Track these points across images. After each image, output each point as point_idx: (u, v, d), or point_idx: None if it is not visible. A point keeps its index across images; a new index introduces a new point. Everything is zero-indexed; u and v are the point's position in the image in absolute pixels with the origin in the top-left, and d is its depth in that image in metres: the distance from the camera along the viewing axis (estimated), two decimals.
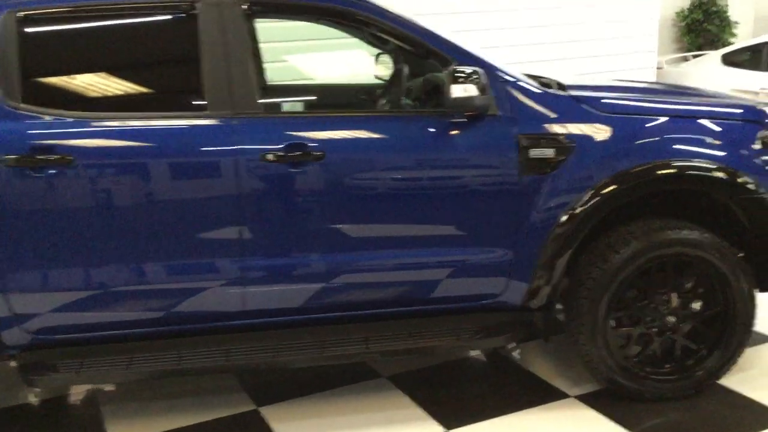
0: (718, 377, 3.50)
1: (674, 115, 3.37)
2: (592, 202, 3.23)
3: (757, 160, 3.37)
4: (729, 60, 8.61)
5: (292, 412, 3.54)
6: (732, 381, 3.60)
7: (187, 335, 3.23)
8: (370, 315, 3.31)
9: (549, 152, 3.21)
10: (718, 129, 3.37)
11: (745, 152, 3.36)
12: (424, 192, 3.19)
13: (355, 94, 4.05)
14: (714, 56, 8.85)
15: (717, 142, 3.34)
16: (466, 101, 3.01)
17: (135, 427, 3.46)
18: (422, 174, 3.18)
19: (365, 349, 3.26)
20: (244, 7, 3.14)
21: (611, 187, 3.22)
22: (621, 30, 8.32)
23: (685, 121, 3.37)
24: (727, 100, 3.64)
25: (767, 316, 4.18)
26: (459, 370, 3.88)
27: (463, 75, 3.03)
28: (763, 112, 3.48)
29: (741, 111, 3.46)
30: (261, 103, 3.15)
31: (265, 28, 3.87)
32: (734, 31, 11.00)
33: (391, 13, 3.24)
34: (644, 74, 8.46)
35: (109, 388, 3.80)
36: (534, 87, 3.31)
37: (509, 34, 7.81)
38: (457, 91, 2.98)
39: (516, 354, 4.02)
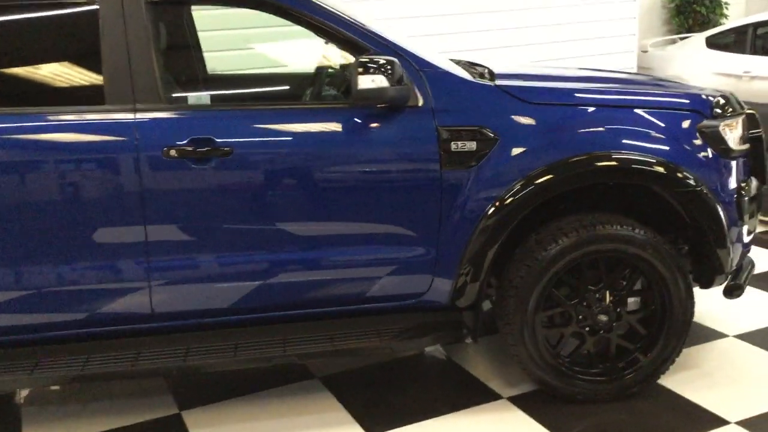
0: (656, 378, 3.36)
1: (608, 105, 3.21)
2: (516, 196, 3.08)
3: (694, 152, 3.20)
4: (713, 43, 8.37)
5: (214, 416, 3.43)
6: (672, 381, 3.46)
7: (100, 339, 3.11)
8: (288, 316, 3.17)
9: (471, 145, 3.06)
10: (654, 119, 3.20)
11: (682, 143, 3.19)
12: (339, 188, 3.05)
13: (297, 83, 3.89)
14: (698, 39, 8.61)
15: (652, 133, 3.18)
16: (375, 93, 2.86)
17: (54, 431, 3.35)
18: (337, 169, 3.04)
19: (282, 352, 3.13)
20: None
21: (535, 181, 3.07)
22: (601, 13, 8.13)
23: (619, 111, 3.20)
24: (674, 90, 3.47)
25: (713, 313, 4.07)
26: (396, 371, 3.74)
27: (373, 65, 2.87)
28: (707, 101, 3.30)
29: (682, 101, 3.29)
30: (166, 96, 3.00)
31: (225, 15, 3.73)
32: (726, 12, 10.72)
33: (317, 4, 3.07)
34: (626, 58, 8.27)
35: (31, 390, 3.69)
36: (457, 77, 3.15)
37: (487, 18, 7.63)
38: (365, 82, 2.82)
39: (460, 352, 3.87)
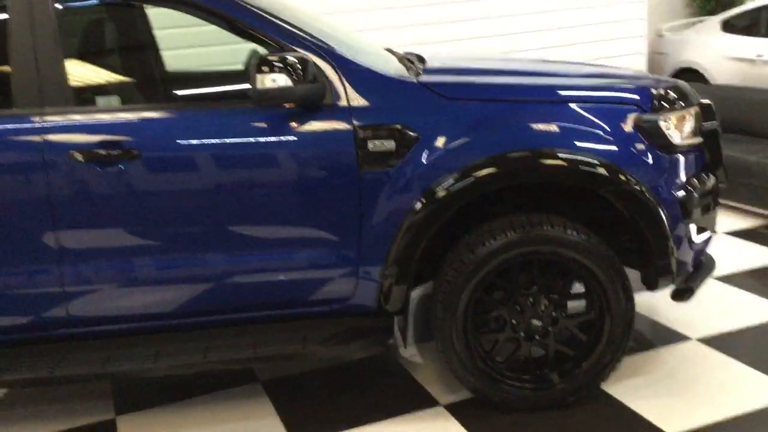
0: (596, 385, 3.19)
1: (537, 100, 3.05)
2: (437, 197, 2.94)
3: (629, 147, 3.02)
4: (728, 26, 8.04)
5: (147, 422, 3.39)
6: (618, 388, 3.31)
7: (21, 345, 3.08)
8: (211, 322, 3.10)
9: (389, 144, 2.93)
10: (587, 114, 3.03)
11: (615, 138, 3.01)
12: (252, 191, 2.95)
13: (227, 82, 3.80)
14: (714, 22, 8.28)
15: (583, 129, 3.01)
16: (277, 93, 2.75)
17: None
18: (249, 171, 2.94)
19: (203, 359, 3.05)
20: None
21: (458, 182, 2.92)
22: None
23: (548, 106, 3.04)
24: (617, 82, 3.29)
25: (682, 314, 3.89)
26: (342, 374, 3.65)
27: (277, 64, 2.76)
28: (647, 94, 3.11)
29: (618, 94, 3.11)
30: (76, 99, 2.94)
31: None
32: None
33: None
34: (634, 43, 7.98)
35: None
36: (377, 74, 3.03)
37: (486, 4, 7.45)
38: (263, 82, 2.71)
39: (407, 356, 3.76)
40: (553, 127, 2.98)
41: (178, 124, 2.93)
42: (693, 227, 3.19)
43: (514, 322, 3.14)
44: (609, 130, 3.00)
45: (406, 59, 3.59)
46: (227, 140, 2.93)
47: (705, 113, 3.34)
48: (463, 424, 3.15)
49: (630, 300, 3.09)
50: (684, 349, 3.62)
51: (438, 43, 7.08)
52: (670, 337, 3.76)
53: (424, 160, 2.94)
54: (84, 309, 3.01)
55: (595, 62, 4.35)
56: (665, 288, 3.22)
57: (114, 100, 3.05)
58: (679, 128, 3.13)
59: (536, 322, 3.12)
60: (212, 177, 2.92)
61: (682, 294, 3.26)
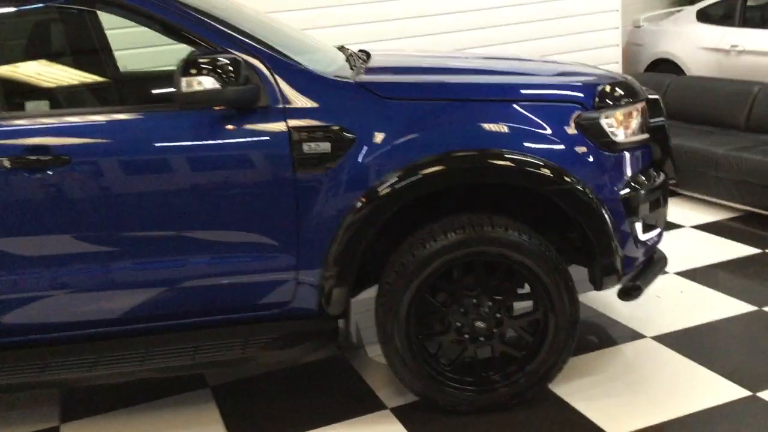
0: (541, 386, 3.15)
1: (476, 99, 2.99)
2: (374, 199, 2.89)
3: (569, 146, 2.97)
4: (703, 16, 7.98)
5: (91, 429, 3.33)
6: (566, 388, 3.28)
7: None
8: (148, 329, 3.06)
9: (325, 146, 2.88)
10: (526, 113, 2.97)
11: (554, 137, 2.96)
12: (187, 195, 2.90)
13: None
14: (689, 12, 8.21)
15: (521, 127, 2.96)
16: (202, 96, 2.69)
17: None
18: (181, 175, 2.89)
19: (141, 367, 3.01)
20: None
21: (394, 184, 2.88)
22: None
23: (487, 105, 2.99)
24: (560, 79, 3.24)
25: (639, 311, 3.85)
26: (294, 378, 3.60)
27: (205, 66, 2.70)
28: (589, 91, 3.05)
29: (558, 92, 3.06)
30: (5, 105, 2.88)
31: None
32: None
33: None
34: (609, 35, 7.91)
35: None
36: (314, 75, 2.97)
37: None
38: (188, 84, 2.66)
39: (360, 358, 3.71)
40: (492, 127, 2.93)
41: (109, 129, 2.87)
42: (639, 225, 3.15)
43: (458, 324, 3.09)
44: (549, 128, 2.95)
45: (355, 57, 3.54)
46: (159, 144, 2.87)
47: (653, 109, 3.29)
48: (407, 428, 3.11)
49: (574, 301, 3.04)
50: (638, 348, 3.58)
51: (408, 38, 7.04)
52: (625, 334, 3.71)
53: (361, 162, 2.89)
54: (18, 317, 2.96)
55: (553, 58, 4.30)
56: (611, 287, 3.16)
57: (43, 105, 2.99)
58: (623, 125, 3.08)
59: (480, 324, 3.07)
60: (144, 182, 2.87)
61: (629, 292, 3.21)
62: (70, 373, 3.00)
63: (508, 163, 2.89)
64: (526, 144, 2.93)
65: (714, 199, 5.52)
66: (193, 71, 2.70)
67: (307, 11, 6.62)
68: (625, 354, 3.54)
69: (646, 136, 3.21)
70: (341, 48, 4.07)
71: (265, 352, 3.05)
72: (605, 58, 7.85)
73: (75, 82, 3.27)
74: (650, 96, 3.32)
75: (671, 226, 5.22)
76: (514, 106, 2.97)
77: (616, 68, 7.94)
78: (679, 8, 9.00)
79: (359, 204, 2.89)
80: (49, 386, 3.09)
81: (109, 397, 3.56)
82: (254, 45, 2.94)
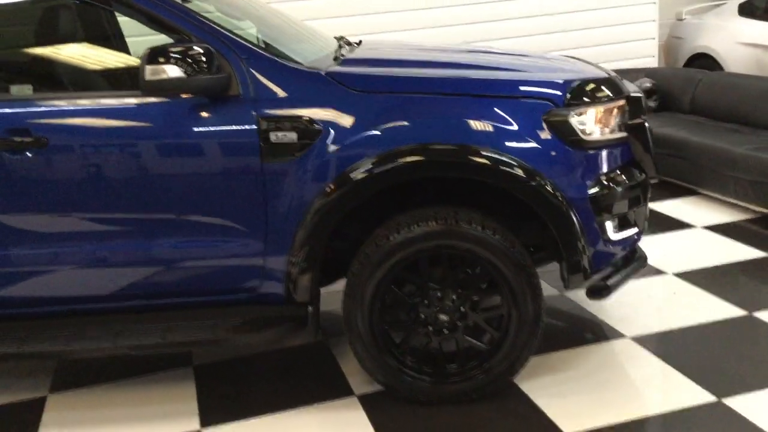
0: (504, 380, 3.16)
1: (445, 93, 3.01)
2: (338, 190, 2.94)
3: (535, 143, 2.96)
4: (745, 10, 7.74)
5: (75, 401, 3.49)
6: (533, 385, 3.29)
7: None
8: (123, 308, 3.17)
9: (292, 136, 2.94)
10: (495, 108, 2.98)
11: (521, 133, 2.96)
12: (156, 180, 3.00)
13: None
14: (732, 5, 7.98)
15: (490, 123, 2.96)
16: (167, 84, 2.77)
17: None
18: (152, 161, 2.99)
19: (113, 344, 3.13)
20: None
21: (357, 175, 2.93)
22: None
23: (455, 99, 3.00)
24: (533, 75, 3.20)
25: (627, 309, 3.82)
26: (274, 361, 3.69)
27: (174, 55, 2.78)
28: (561, 87, 3.04)
29: (529, 88, 3.04)
30: None
31: None
32: None
33: None
34: (644, 28, 7.76)
35: None
36: (283, 65, 3.03)
37: None
38: (152, 72, 2.74)
39: (342, 344, 3.77)
40: (458, 121, 2.94)
41: (87, 113, 2.99)
42: (610, 224, 3.12)
43: (422, 316, 3.12)
44: (515, 124, 2.95)
45: (345, 48, 3.59)
46: (132, 129, 2.97)
47: (634, 107, 3.25)
48: (369, 415, 3.16)
49: (537, 298, 3.04)
50: (614, 347, 3.55)
51: (434, 28, 7.06)
52: (606, 333, 3.69)
53: (327, 152, 2.94)
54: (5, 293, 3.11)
55: (550, 53, 4.26)
56: (579, 286, 3.15)
57: (27, 89, 3.11)
58: (595, 123, 3.06)
59: (443, 317, 3.10)
60: (117, 165, 2.98)
61: (598, 292, 3.19)
62: (46, 347, 3.13)
63: (473, 157, 2.89)
64: (489, 139, 2.93)
65: (731, 200, 5.39)
66: (161, 59, 2.78)
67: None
68: (601, 353, 3.51)
69: (622, 134, 3.18)
70: (340, 38, 4.13)
71: (232, 335, 3.13)
72: (640, 51, 7.73)
73: (55, 68, 3.40)
74: (632, 94, 3.27)
75: (682, 225, 5.14)
76: (484, 101, 2.98)
77: (652, 62, 7.80)
78: (722, 1, 8.73)
79: (322, 193, 2.94)
80: (26, 358, 3.23)
81: (99, 370, 3.70)
82: (226, 34, 3.00)
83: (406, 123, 2.94)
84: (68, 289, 3.13)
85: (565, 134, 2.98)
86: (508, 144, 2.93)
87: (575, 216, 2.99)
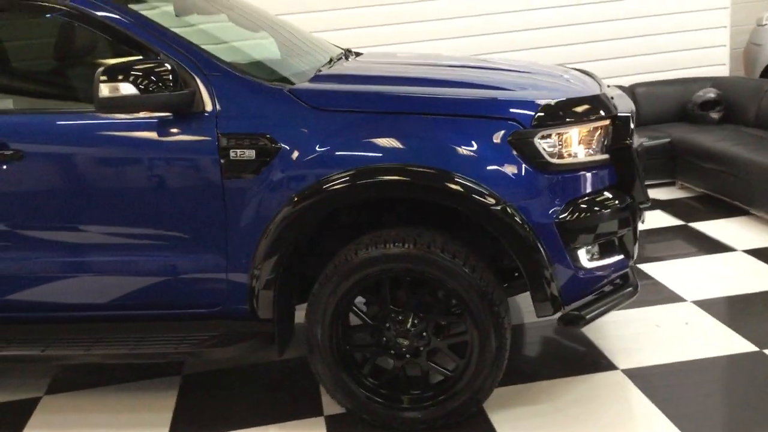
0: (465, 411, 3.04)
1: (407, 112, 2.92)
2: (293, 209, 2.91)
3: (495, 165, 2.83)
4: None
5: (65, 403, 3.61)
6: (501, 416, 3.17)
7: None
8: (97, 317, 3.26)
9: (250, 153, 2.93)
10: (457, 128, 2.88)
11: (482, 155, 2.84)
12: (122, 194, 3.05)
13: None
14: None
15: (450, 144, 2.86)
16: (120, 102, 2.81)
17: None
18: (119, 174, 3.05)
19: (85, 351, 3.20)
20: None
21: (311, 195, 2.89)
22: None
23: (414, 119, 2.90)
24: (499, 94, 3.03)
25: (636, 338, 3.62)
26: (257, 374, 3.71)
27: (133, 71, 2.82)
28: (528, 106, 2.90)
29: (495, 107, 2.91)
30: None
31: None
32: None
33: (104, 2, 3.06)
34: (715, 35, 7.34)
35: None
36: (247, 81, 3.02)
37: None
38: (107, 90, 2.79)
39: None
40: (411, 141, 2.86)
41: (57, 127, 3.08)
42: (583, 251, 2.96)
43: (384, 339, 3.05)
44: (476, 144, 2.84)
45: (335, 62, 3.57)
46: (99, 144, 3.04)
47: (620, 128, 3.06)
48: None
49: (498, 328, 2.91)
50: (601, 380, 3.36)
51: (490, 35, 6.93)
52: (597, 364, 3.50)
53: (283, 171, 2.91)
54: None
55: (545, 64, 4.08)
56: (549, 315, 2.99)
57: (8, 103, 3.24)
58: (568, 144, 2.90)
59: (402, 341, 3.02)
60: (86, 180, 3.05)
61: (573, 321, 3.02)
62: (24, 351, 3.24)
63: (425, 179, 2.81)
64: (447, 160, 2.83)
65: None
66: (118, 77, 2.81)
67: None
68: (585, 385, 3.33)
69: (603, 157, 3.01)
70: (347, 51, 4.11)
71: (199, 349, 3.15)
72: (710, 59, 7.32)
73: (35, 83, 3.51)
74: (620, 114, 3.09)
75: (721, 248, 4.83)
76: (442, 119, 2.88)
77: (723, 71, 7.37)
78: None
79: (278, 211, 2.92)
80: (5, 361, 3.35)
81: (98, 372, 3.82)
82: (194, 50, 3.02)
83: (356, 142, 2.88)
84: (46, 297, 3.22)
85: (530, 156, 2.84)
86: (471, 166, 2.82)
87: (539, 242, 2.84)
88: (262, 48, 4.07)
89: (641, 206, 3.16)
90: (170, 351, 3.17)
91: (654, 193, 6.26)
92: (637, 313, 3.96)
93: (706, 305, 3.99)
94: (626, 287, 3.24)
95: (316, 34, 4.61)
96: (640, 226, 3.37)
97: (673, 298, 4.12)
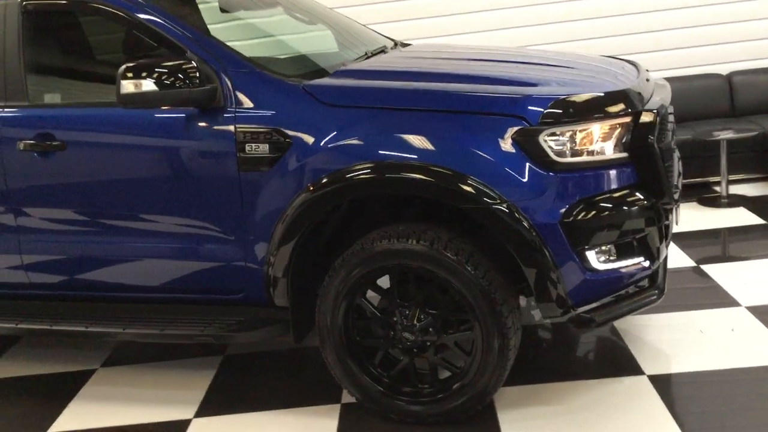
0: (471, 408, 3.03)
1: (417, 109, 2.92)
2: (303, 202, 3.00)
3: (499, 163, 2.80)
4: None
5: (115, 375, 3.90)
6: (510, 415, 3.14)
7: None
8: (122, 298, 3.47)
9: (264, 148, 3.04)
10: (464, 124, 2.86)
11: (486, 153, 2.82)
12: (153, 183, 3.23)
13: None
14: None
15: (455, 141, 2.86)
16: (142, 97, 2.96)
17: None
18: (148, 165, 3.23)
19: (122, 330, 3.43)
20: (24, 4, 3.41)
21: (319, 189, 2.96)
22: None
23: (425, 114, 2.91)
24: (510, 90, 2.95)
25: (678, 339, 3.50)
26: (291, 359, 3.85)
27: (157, 68, 2.98)
28: (538, 102, 2.83)
29: (502, 104, 2.86)
30: (31, 94, 3.41)
31: None
32: None
33: (135, 1, 3.24)
34: None
35: None
36: (265, 77, 3.12)
37: None
38: (127, 87, 2.95)
39: None
40: (415, 138, 2.87)
41: (95, 120, 3.29)
42: (592, 253, 2.88)
43: (391, 333, 3.09)
44: (480, 142, 2.82)
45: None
46: (130, 137, 3.23)
47: (643, 125, 2.94)
48: (340, 424, 3.19)
49: (501, 327, 2.88)
50: (622, 385, 3.26)
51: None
52: (623, 368, 3.39)
53: (294, 166, 2.99)
54: (27, 276, 3.53)
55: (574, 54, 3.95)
56: (556, 316, 2.93)
57: (57, 97, 3.49)
58: (579, 142, 2.83)
59: (408, 336, 3.05)
60: (121, 171, 3.26)
61: (583, 323, 2.95)
62: (71, 327, 3.51)
63: (417, 175, 2.82)
64: (450, 157, 2.82)
65: None
66: (142, 74, 2.98)
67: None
68: (604, 389, 3.24)
69: (620, 155, 2.91)
70: (395, 43, 4.15)
71: (224, 332, 3.30)
72: None
73: (81, 78, 3.75)
74: (645, 110, 2.97)
75: None
76: (448, 115, 2.88)
77: None
78: None
79: (289, 204, 3.01)
80: (56, 335, 3.63)
81: (152, 350, 4.08)
82: (217, 47, 3.16)
83: (363, 139, 2.92)
84: (77, 275, 3.48)
85: (535, 154, 2.79)
86: (468, 163, 2.81)
87: (543, 242, 2.79)
88: (309, 41, 4.17)
89: (665, 206, 3.02)
90: (196, 333, 3.33)
91: (741, 189, 5.93)
92: (682, 316, 3.81)
93: (759, 312, 3.77)
94: (650, 290, 3.12)
95: (372, 26, 4.66)
96: (674, 228, 3.24)
97: (727, 302, 3.92)
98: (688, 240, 4.87)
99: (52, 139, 3.31)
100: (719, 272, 4.31)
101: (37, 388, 3.84)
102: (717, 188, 5.92)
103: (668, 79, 6.14)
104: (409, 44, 4.25)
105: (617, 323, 3.75)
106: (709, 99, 6.49)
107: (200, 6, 3.76)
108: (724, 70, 6.64)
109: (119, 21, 3.28)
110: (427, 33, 6.64)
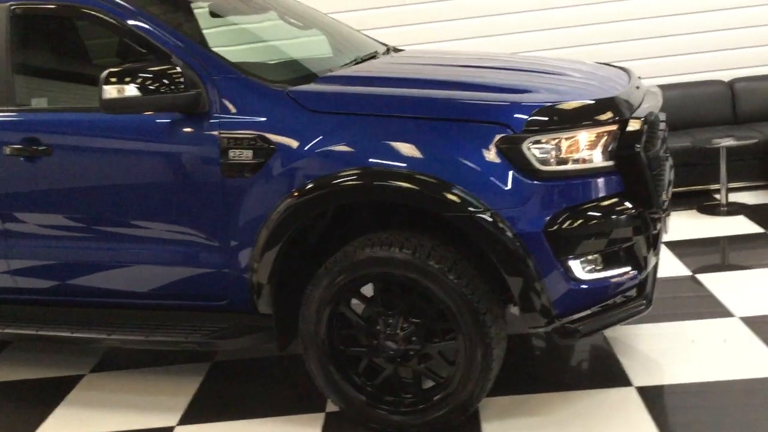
0: (453, 418, 3.00)
1: (399, 116, 2.90)
2: (285, 210, 2.97)
3: (482, 171, 2.77)
4: None
5: (103, 381, 3.88)
6: (493, 426, 3.10)
7: None
8: (102, 303, 3.46)
9: (248, 154, 3.02)
10: (445, 132, 2.83)
11: (467, 160, 2.79)
12: (138, 189, 3.22)
13: None
14: None
15: (435, 148, 2.83)
16: (123, 102, 2.95)
17: None
18: (130, 170, 3.21)
19: (107, 336, 3.41)
20: (12, 8, 3.40)
21: (302, 196, 2.94)
22: None
23: (408, 121, 2.88)
24: (492, 97, 2.94)
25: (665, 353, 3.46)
26: (279, 366, 3.83)
27: (140, 74, 2.96)
28: (521, 110, 2.80)
29: (485, 111, 2.84)
30: (19, 98, 3.41)
31: None
32: None
33: (123, 6, 3.23)
34: None
35: None
36: (250, 83, 3.10)
37: None
38: (110, 91, 2.94)
39: None
40: (397, 145, 2.84)
41: (81, 125, 3.28)
42: (577, 263, 2.84)
43: (375, 342, 3.06)
44: (462, 149, 2.79)
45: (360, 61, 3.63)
46: (113, 141, 3.22)
47: (630, 133, 2.91)
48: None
49: (483, 337, 2.85)
50: (609, 396, 3.22)
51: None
52: (612, 379, 3.35)
53: (279, 172, 2.97)
54: (12, 281, 3.52)
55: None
56: (538, 326, 2.89)
57: (44, 102, 3.48)
58: (563, 150, 2.80)
59: (391, 344, 3.01)
60: (103, 176, 3.25)
61: (567, 334, 2.91)
62: (57, 332, 3.49)
63: (399, 183, 2.79)
64: (432, 165, 2.80)
65: None
66: (125, 79, 2.96)
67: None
68: (591, 400, 3.20)
69: (605, 163, 2.87)
70: (388, 48, 4.12)
71: (206, 339, 3.27)
72: None
73: (68, 82, 3.74)
74: (633, 118, 2.93)
75: None
76: (430, 122, 2.85)
77: None
78: None
79: (273, 211, 2.99)
80: (42, 340, 3.61)
81: (139, 355, 4.07)
82: (203, 52, 3.14)
83: (347, 145, 2.89)
84: (61, 281, 3.46)
85: (519, 162, 2.76)
86: (450, 170, 2.78)
87: (525, 251, 2.76)
88: (302, 46, 4.15)
89: (653, 215, 2.98)
90: (181, 340, 3.31)
91: (741, 197, 5.87)
92: (674, 326, 3.77)
93: (753, 323, 3.72)
94: (637, 300, 3.07)
95: (377, 31, 4.64)
96: (668, 236, 3.20)
97: (721, 312, 3.87)
98: (685, 248, 4.82)
99: (38, 143, 3.30)
100: (715, 282, 4.26)
101: (24, 393, 3.83)
102: (717, 196, 5.86)
103: (670, 86, 6.22)
104: (401, 50, 4.22)
105: (608, 332, 3.70)
106: (711, 106, 6.44)
107: (196, 11, 3.76)
108: (726, 76, 6.59)
109: (106, 26, 3.27)
110: (431, 38, 6.62)
